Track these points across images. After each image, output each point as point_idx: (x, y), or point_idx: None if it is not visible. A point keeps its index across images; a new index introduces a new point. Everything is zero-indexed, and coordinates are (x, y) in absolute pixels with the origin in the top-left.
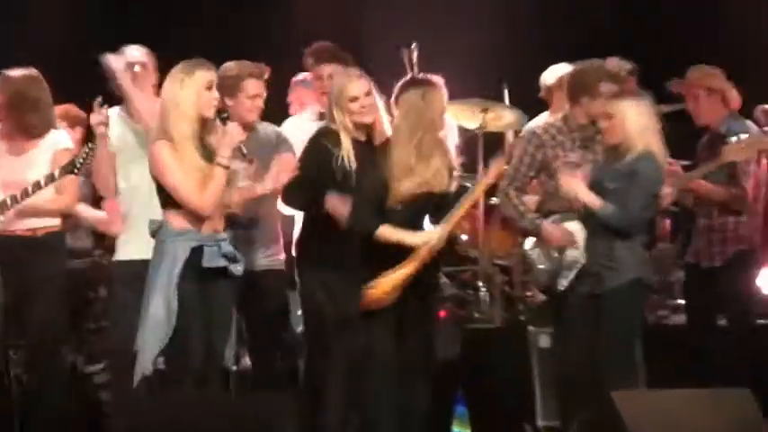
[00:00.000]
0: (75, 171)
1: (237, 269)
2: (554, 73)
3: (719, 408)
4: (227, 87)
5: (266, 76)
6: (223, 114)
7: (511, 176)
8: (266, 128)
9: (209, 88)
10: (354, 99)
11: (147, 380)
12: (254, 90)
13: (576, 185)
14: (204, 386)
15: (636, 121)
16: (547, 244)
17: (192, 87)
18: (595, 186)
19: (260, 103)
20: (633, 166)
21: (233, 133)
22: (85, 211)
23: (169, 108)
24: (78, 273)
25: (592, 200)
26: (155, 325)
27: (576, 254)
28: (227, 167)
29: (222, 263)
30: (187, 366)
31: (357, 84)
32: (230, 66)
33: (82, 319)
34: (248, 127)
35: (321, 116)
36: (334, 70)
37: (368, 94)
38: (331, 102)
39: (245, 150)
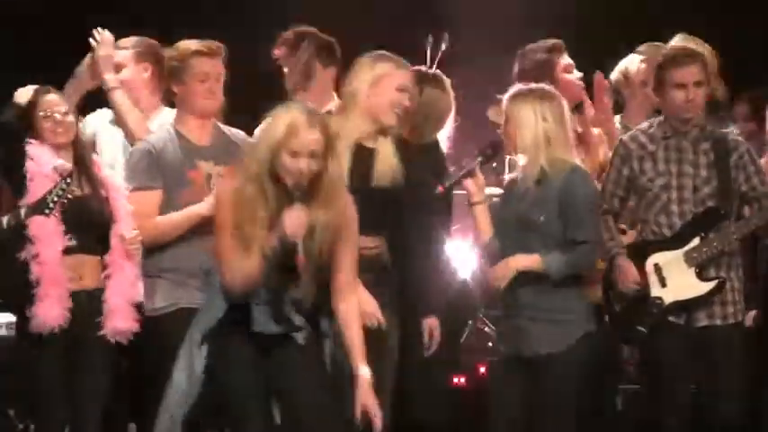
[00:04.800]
0: (47, 212)
1: (300, 338)
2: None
3: None
4: (173, 71)
5: (222, 55)
6: None
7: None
8: (235, 133)
9: None
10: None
11: None
12: (202, 67)
13: (508, 269)
14: None
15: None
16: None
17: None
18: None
19: (215, 88)
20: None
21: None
22: None
23: None
24: None
25: (532, 262)
26: (175, 390)
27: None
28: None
29: (275, 329)
30: None
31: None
32: (174, 46)
33: None
34: (206, 125)
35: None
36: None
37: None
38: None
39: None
